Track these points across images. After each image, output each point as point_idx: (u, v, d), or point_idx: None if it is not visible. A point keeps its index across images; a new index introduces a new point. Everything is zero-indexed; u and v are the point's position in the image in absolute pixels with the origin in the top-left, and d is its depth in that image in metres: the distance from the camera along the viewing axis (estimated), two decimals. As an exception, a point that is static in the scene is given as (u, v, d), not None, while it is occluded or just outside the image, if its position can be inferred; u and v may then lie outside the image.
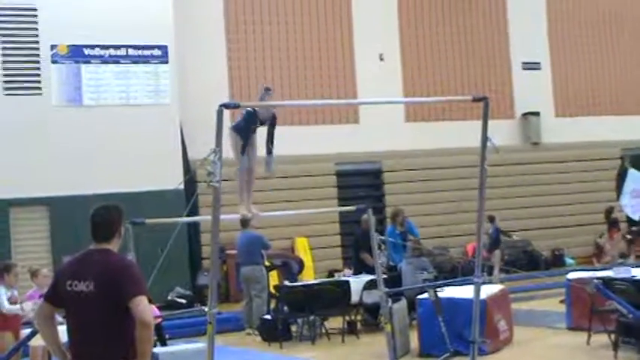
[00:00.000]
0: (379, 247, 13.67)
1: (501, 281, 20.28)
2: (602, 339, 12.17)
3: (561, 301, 15.22)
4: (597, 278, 12.07)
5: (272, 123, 9.99)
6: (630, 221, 23.22)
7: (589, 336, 12.45)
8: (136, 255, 10.37)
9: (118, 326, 5.50)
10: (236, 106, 8.39)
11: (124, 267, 5.64)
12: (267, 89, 9.94)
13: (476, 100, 9.29)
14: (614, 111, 26.18)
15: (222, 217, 8.19)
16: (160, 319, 13.06)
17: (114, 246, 5.75)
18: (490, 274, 19.30)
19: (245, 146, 9.70)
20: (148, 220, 10.79)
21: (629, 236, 22.64)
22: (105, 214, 5.78)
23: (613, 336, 11.79)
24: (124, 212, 5.87)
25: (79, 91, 19.51)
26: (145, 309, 5.47)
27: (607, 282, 12.00)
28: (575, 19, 26.03)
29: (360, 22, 22.96)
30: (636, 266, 14.58)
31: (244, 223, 16.11)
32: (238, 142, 9.68)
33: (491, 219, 20.41)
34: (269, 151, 9.98)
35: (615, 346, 11.64)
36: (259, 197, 20.66)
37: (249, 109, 9.80)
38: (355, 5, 23.07)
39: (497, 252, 20.56)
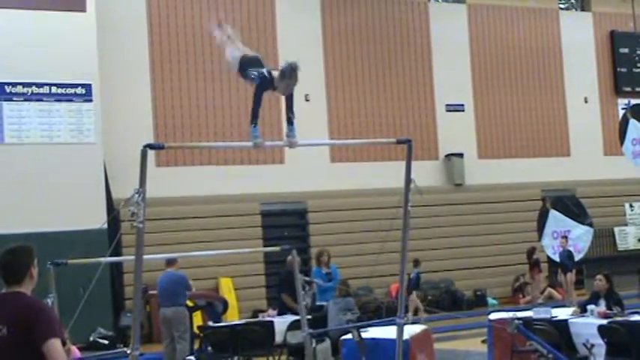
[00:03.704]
0: (304, 288, 13.69)
1: (411, 322, 20.35)
2: (523, 379, 12.31)
3: (483, 341, 15.36)
4: (518, 319, 12.23)
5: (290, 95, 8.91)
6: (551, 261, 23.62)
7: (510, 376, 12.58)
8: (58, 296, 10.24)
9: None
10: (161, 147, 8.38)
11: (37, 310, 5.49)
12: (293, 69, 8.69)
13: (400, 142, 9.43)
14: (535, 153, 26.66)
15: (145, 257, 8.14)
16: (81, 361, 12.86)
17: (26, 288, 5.60)
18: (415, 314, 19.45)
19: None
20: (70, 261, 10.68)
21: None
22: (12, 257, 5.62)
23: (533, 375, 11.94)
24: (34, 252, 5.74)
25: (0, 128, 19.27)
26: (58, 352, 5.35)
27: (527, 322, 12.16)
28: (499, 63, 26.50)
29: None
30: (555, 306, 14.80)
31: (170, 262, 15.91)
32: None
33: (416, 263, 20.52)
34: (290, 122, 9.00)
35: (536, 386, 11.79)
36: (184, 237, 20.73)
37: (263, 74, 8.71)
38: (281, 45, 23.20)
39: (413, 296, 20.56)
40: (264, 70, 8.69)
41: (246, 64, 8.94)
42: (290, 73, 8.55)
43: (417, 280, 20.52)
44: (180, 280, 15.99)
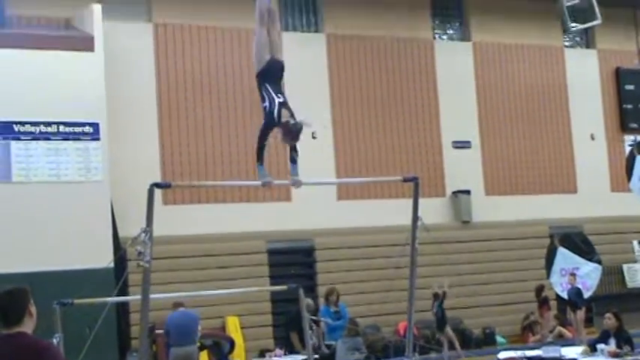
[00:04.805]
0: (311, 327, 13.63)
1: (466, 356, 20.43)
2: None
3: (492, 380, 15.29)
4: (527, 357, 12.17)
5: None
6: (560, 299, 23.50)
7: (520, 415, 12.49)
8: (64, 335, 10.22)
9: None
10: (167, 186, 8.39)
11: (41, 349, 5.45)
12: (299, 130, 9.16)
13: (406, 180, 9.43)
14: (543, 190, 26.61)
15: (151, 296, 8.12)
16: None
17: (27, 327, 5.56)
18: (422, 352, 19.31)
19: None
20: (76, 301, 10.66)
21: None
22: (8, 299, 5.59)
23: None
24: (29, 293, 5.72)
25: (8, 167, 19.26)
26: None
27: (536, 361, 12.10)
28: (505, 99, 26.53)
29: (292, 102, 23.01)
30: (565, 345, 14.72)
31: (178, 303, 15.80)
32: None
33: (436, 296, 20.54)
34: (293, 160, 9.43)
35: None
36: (190, 275, 20.67)
37: (273, 113, 9.13)
38: (287, 83, 23.20)
39: (448, 329, 20.63)
40: (275, 107, 8.87)
41: (267, 76, 9.20)
42: (296, 134, 8.87)
43: (442, 313, 20.50)
44: (195, 318, 15.87)
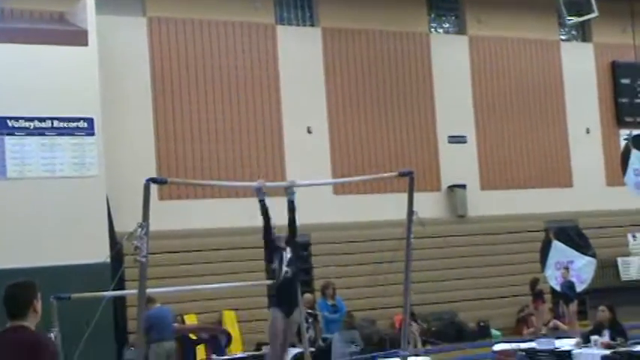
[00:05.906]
0: (307, 321, 13.66)
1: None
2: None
3: (488, 373, 15.33)
4: (521, 350, 12.22)
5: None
6: (554, 292, 23.56)
7: (515, 407, 12.54)
8: (61, 330, 10.23)
9: None
10: (164, 182, 8.40)
11: (38, 345, 5.51)
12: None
13: (402, 175, 9.45)
14: (538, 184, 26.64)
15: (148, 290, 8.13)
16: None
17: (30, 322, 5.64)
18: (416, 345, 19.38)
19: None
20: (73, 295, 10.68)
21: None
22: (16, 291, 5.68)
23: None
24: (36, 287, 5.78)
25: (2, 163, 19.22)
26: None
27: (531, 353, 12.14)
28: (500, 94, 26.54)
29: (287, 96, 23.13)
30: (559, 337, 14.76)
31: (153, 299, 15.76)
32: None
33: None
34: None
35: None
36: (186, 270, 20.68)
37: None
38: (283, 79, 23.26)
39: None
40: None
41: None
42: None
43: None
44: (172, 314, 15.98)
